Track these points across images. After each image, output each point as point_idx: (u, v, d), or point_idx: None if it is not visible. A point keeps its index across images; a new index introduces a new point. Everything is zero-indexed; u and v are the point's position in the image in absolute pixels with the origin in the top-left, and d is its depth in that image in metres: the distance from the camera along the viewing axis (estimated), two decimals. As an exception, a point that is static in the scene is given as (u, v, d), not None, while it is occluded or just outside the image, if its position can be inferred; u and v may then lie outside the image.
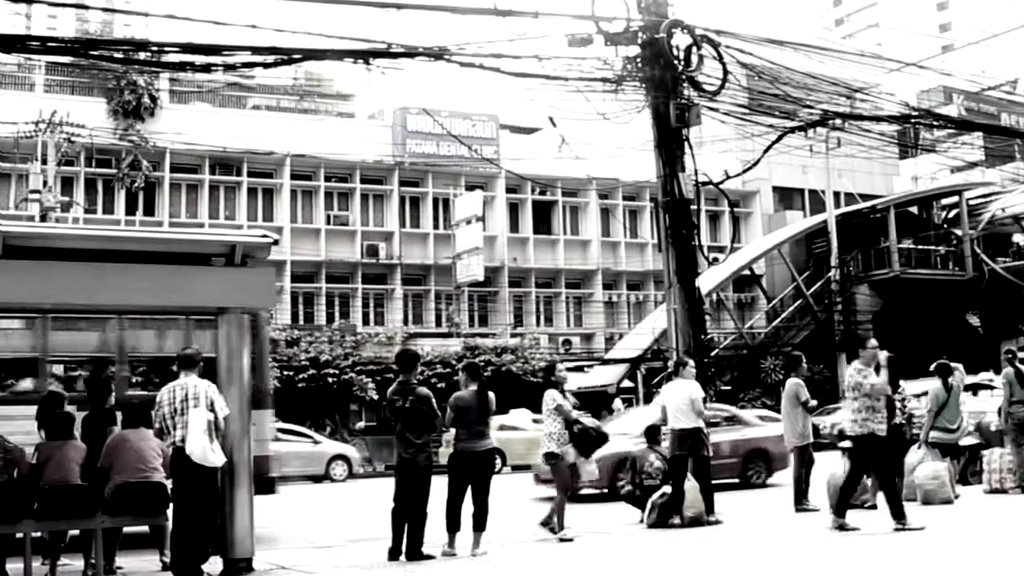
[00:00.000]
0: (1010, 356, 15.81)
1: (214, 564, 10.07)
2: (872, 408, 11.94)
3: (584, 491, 17.69)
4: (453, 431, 11.80)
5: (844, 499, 12.18)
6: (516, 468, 27.41)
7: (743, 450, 20.56)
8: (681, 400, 13.49)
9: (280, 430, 29.15)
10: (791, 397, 14.85)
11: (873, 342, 12.45)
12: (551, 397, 12.55)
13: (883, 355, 12.17)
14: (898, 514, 11.71)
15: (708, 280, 34.23)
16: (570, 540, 12.13)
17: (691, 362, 14.31)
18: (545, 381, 13.14)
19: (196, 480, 9.92)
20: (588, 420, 12.85)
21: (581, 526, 14.22)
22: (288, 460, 28.05)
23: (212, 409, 9.98)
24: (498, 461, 30.06)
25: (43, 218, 31.53)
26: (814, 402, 15.33)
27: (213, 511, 10.10)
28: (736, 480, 20.26)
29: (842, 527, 11.85)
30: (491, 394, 11.72)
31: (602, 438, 12.78)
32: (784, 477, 19.34)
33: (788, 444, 15.16)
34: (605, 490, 17.87)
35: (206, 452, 9.84)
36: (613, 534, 12.87)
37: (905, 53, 44.85)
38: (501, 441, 30.16)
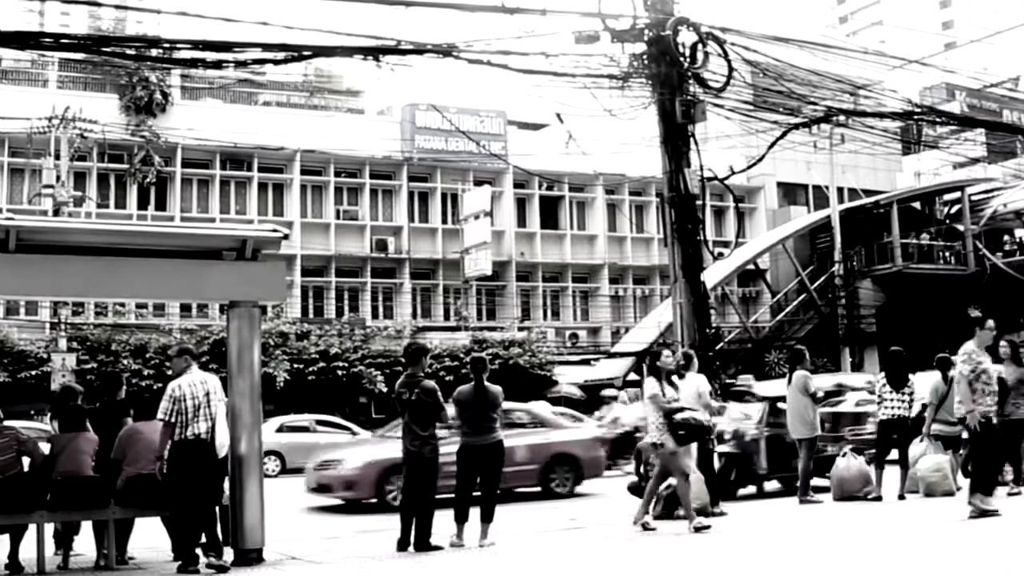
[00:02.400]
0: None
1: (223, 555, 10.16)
2: (982, 392, 11.77)
3: (349, 499, 17.20)
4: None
5: (983, 484, 11.85)
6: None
7: (544, 455, 18.45)
8: (689, 394, 13.42)
9: (318, 422, 30.07)
10: (800, 389, 14.95)
11: (991, 323, 12.24)
12: (648, 386, 12.35)
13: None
14: (987, 489, 11.76)
15: (713, 274, 34.49)
16: (707, 528, 11.85)
17: (694, 355, 14.36)
18: (650, 367, 12.73)
19: (218, 471, 10.20)
20: (691, 412, 12.46)
21: (587, 517, 14.44)
22: (327, 451, 28.79)
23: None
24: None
25: (56, 213, 31.76)
26: (821, 393, 15.60)
27: (220, 500, 10.38)
28: (537, 489, 18.47)
29: (984, 513, 11.63)
30: (495, 388, 11.70)
31: (703, 429, 12.43)
32: (596, 486, 18.93)
33: (796, 435, 15.15)
34: (373, 500, 16.94)
35: (227, 445, 10.19)
36: (618, 525, 12.91)
37: (908, 50, 45.08)
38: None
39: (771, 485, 17.06)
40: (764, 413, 17.03)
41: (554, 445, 18.73)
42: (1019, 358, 13.98)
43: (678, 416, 12.11)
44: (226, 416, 10.33)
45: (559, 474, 18.64)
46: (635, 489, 15.00)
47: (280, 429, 28.72)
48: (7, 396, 27.56)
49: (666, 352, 12.97)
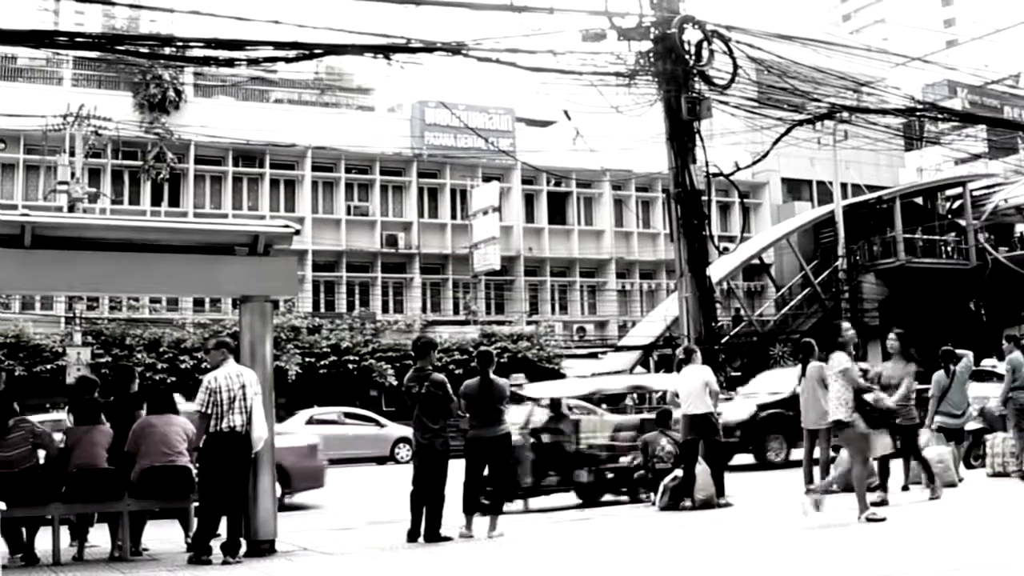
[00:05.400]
0: (1014, 342, 15.64)
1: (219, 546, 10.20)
2: None
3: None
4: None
5: None
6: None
7: None
8: (696, 385, 13.70)
9: (346, 414, 30.61)
10: (817, 380, 14.73)
11: None
12: (838, 360, 11.45)
13: None
14: None
15: (718, 269, 34.82)
16: (881, 520, 11.10)
17: (697, 349, 14.48)
18: (831, 343, 11.90)
19: (249, 463, 10.35)
20: (879, 394, 11.89)
21: (592, 509, 14.57)
22: (355, 443, 29.26)
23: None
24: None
25: (71, 209, 32.09)
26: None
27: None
28: None
29: None
30: (501, 381, 11.80)
31: (891, 414, 11.91)
32: (317, 497, 17.77)
33: (811, 426, 14.80)
34: None
35: (264, 438, 10.37)
36: (625, 516, 12.98)
37: (910, 48, 45.45)
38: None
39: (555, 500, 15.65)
40: (529, 417, 15.77)
41: None
42: (909, 353, 13.72)
43: (869, 396, 11.53)
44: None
45: None
46: (642, 481, 15.09)
47: (310, 422, 29.13)
48: (23, 389, 27.96)
49: (846, 324, 12.25)
